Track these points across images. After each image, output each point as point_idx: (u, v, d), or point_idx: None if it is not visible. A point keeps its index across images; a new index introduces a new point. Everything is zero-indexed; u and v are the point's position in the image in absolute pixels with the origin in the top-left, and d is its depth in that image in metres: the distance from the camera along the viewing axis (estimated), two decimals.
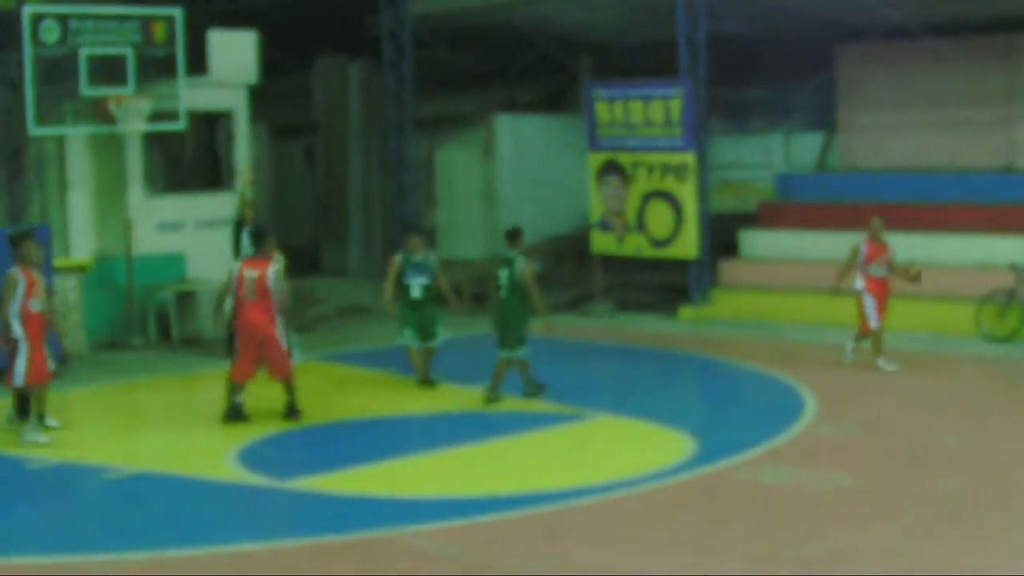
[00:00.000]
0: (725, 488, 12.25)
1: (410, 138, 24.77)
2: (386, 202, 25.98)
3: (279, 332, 14.86)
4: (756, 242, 22.95)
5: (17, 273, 13.99)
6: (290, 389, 15.08)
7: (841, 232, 21.57)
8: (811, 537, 10.75)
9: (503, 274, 15.92)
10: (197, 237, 20.79)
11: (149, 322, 20.42)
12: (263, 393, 15.25)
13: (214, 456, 13.71)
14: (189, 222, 20.93)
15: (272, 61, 23.12)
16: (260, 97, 22.43)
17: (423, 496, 12.32)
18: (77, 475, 13.34)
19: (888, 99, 23.28)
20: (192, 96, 20.10)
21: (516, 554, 10.51)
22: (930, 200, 21.13)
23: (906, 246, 18.19)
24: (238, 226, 18.22)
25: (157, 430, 15.47)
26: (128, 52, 19.23)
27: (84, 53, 18.89)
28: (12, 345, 14.00)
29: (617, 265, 23.33)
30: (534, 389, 16.01)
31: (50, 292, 14.88)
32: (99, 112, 19.35)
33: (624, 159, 22.34)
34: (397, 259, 16.94)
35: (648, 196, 22.15)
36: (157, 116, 19.65)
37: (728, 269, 22.67)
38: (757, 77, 24.38)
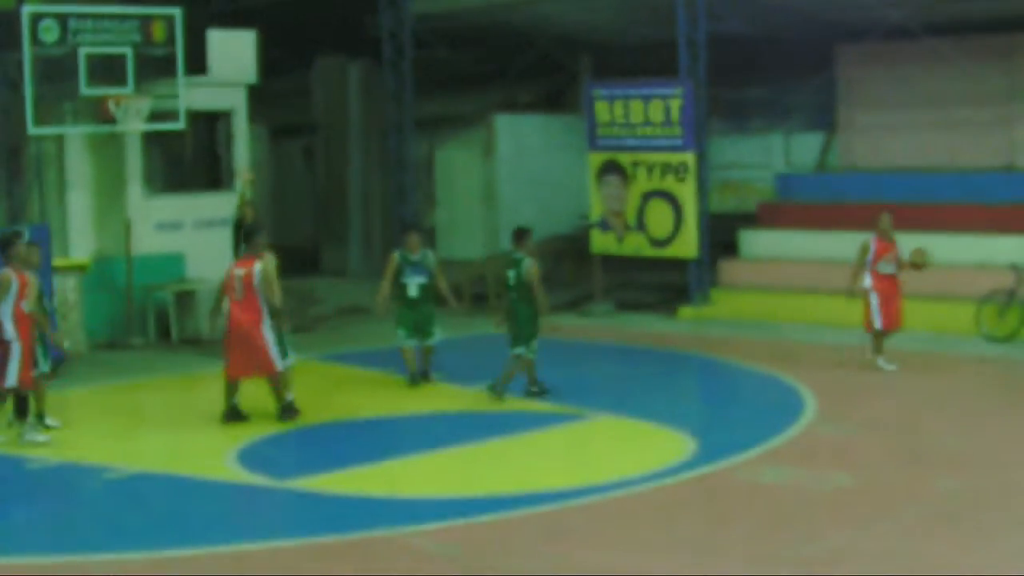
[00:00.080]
0: (725, 488, 12.24)
1: (410, 138, 24.75)
2: (386, 202, 25.97)
3: (265, 330, 14.77)
4: (756, 242, 22.94)
5: (10, 274, 13.97)
6: (276, 389, 14.97)
7: (841, 232, 21.59)
8: (811, 537, 10.74)
9: (511, 274, 15.94)
10: (196, 237, 20.77)
11: (148, 322, 20.41)
12: (263, 393, 15.23)
13: (214, 456, 13.70)
14: (188, 222, 20.91)
15: (272, 61, 23.10)
16: (260, 97, 22.41)
17: (423, 496, 12.31)
18: (77, 475, 13.33)
19: (888, 99, 23.28)
20: (192, 96, 20.08)
21: (516, 554, 10.50)
22: (930, 200, 21.10)
23: (906, 246, 18.14)
24: (238, 226, 18.19)
25: (157, 430, 15.46)
26: (127, 52, 19.21)
27: (83, 53, 18.86)
28: (4, 346, 13.97)
29: (617, 265, 23.32)
30: (536, 389, 16.00)
31: (43, 293, 14.84)
32: (98, 112, 19.34)
33: (624, 159, 22.33)
34: (395, 257, 16.95)
35: (648, 196, 22.14)
36: (156, 116, 19.63)
37: (728, 269, 22.66)
38: (757, 77, 24.37)
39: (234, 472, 13.17)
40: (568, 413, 15.21)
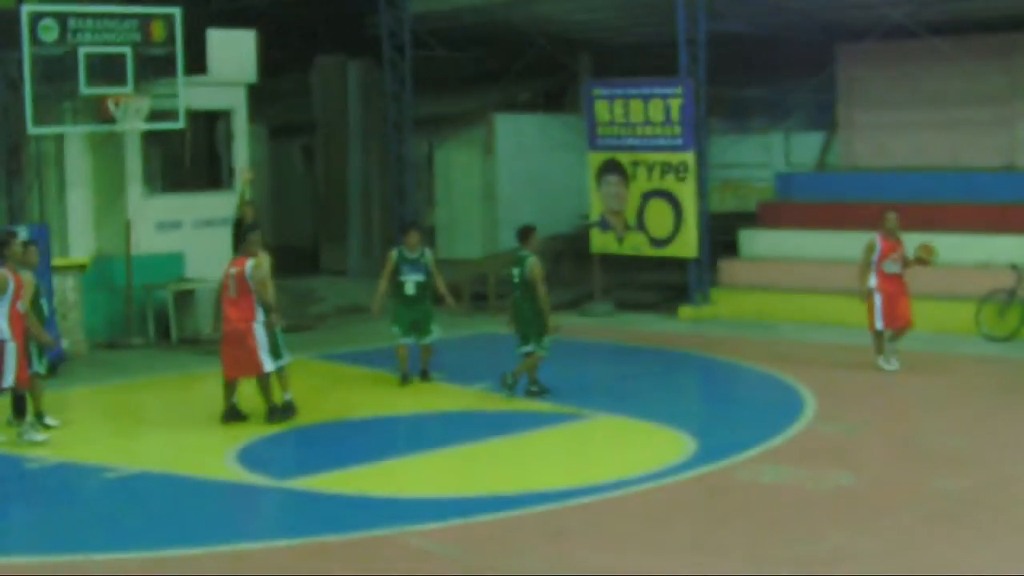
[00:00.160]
0: (725, 488, 12.23)
1: (409, 137, 24.75)
2: (385, 201, 25.97)
3: (257, 330, 14.69)
4: (756, 242, 22.94)
5: (6, 274, 13.95)
6: (264, 390, 14.87)
7: (841, 232, 21.60)
8: (811, 537, 10.73)
9: (515, 272, 15.95)
10: (196, 236, 20.76)
11: (148, 321, 20.40)
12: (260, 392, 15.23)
13: (213, 456, 13.69)
14: (188, 221, 20.90)
15: (271, 60, 23.10)
16: (259, 96, 22.40)
17: (423, 495, 12.31)
18: (76, 474, 13.32)
19: (888, 98, 23.28)
20: (191, 95, 20.08)
21: (516, 554, 10.49)
22: (931, 199, 21.09)
23: (908, 245, 18.12)
24: (238, 225, 18.20)
25: (156, 430, 15.45)
26: (127, 51, 19.20)
27: (83, 52, 18.86)
28: (0, 347, 13.95)
29: (617, 264, 23.31)
30: (536, 389, 15.99)
31: (40, 293, 14.82)
32: (98, 111, 19.34)
33: (624, 158, 22.32)
34: (393, 255, 16.95)
35: (648, 195, 22.13)
36: (156, 115, 19.62)
37: (728, 269, 22.65)
38: (757, 76, 24.36)
39: (234, 472, 13.15)
40: (568, 413, 15.20)
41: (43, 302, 15.08)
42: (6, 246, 14.11)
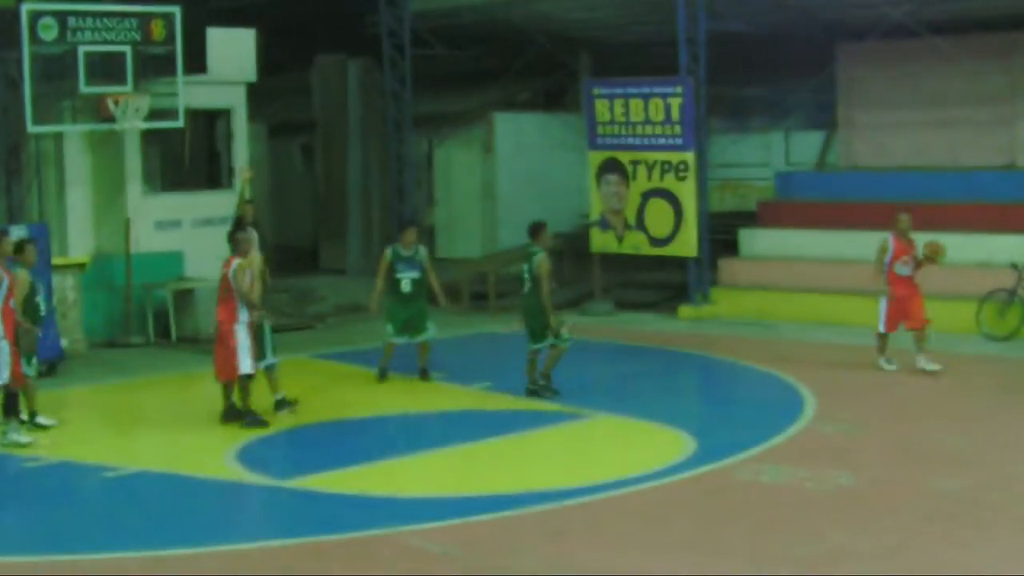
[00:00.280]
0: (725, 488, 12.22)
1: (409, 136, 24.74)
2: (385, 200, 25.97)
3: (239, 331, 14.58)
4: (756, 241, 22.93)
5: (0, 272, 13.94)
6: (241, 390, 14.71)
7: (842, 231, 21.60)
8: (811, 537, 10.72)
9: (524, 268, 15.95)
10: (195, 235, 20.74)
11: (147, 321, 20.39)
12: (261, 393, 15.21)
13: (213, 455, 13.68)
14: (187, 220, 20.88)
15: (271, 59, 23.08)
16: (259, 95, 22.39)
17: (422, 495, 12.30)
18: (76, 474, 13.31)
19: (889, 97, 23.26)
20: (191, 94, 20.05)
21: (516, 553, 10.48)
22: (931, 199, 21.06)
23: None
24: (237, 224, 18.16)
25: (156, 429, 15.43)
26: (127, 50, 19.17)
27: (83, 51, 18.83)
28: None
29: (617, 264, 23.30)
30: (536, 388, 15.96)
31: (36, 292, 14.79)
32: (97, 110, 19.31)
33: (624, 157, 22.30)
34: (387, 253, 16.94)
35: (648, 195, 22.12)
36: (156, 114, 19.59)
37: (728, 268, 22.64)
38: (757, 75, 24.35)
39: (233, 471, 13.14)
40: (568, 412, 15.19)
41: (39, 300, 15.01)
42: None
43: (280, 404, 15.15)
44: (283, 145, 29.24)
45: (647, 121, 21.91)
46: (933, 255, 16.96)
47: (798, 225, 22.45)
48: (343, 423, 15.21)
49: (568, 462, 13.46)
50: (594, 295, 23.05)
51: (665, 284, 23.41)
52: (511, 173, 25.71)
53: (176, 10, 19.61)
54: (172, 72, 19.60)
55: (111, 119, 19.21)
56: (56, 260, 18.87)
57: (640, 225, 22.29)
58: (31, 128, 18.87)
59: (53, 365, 17.76)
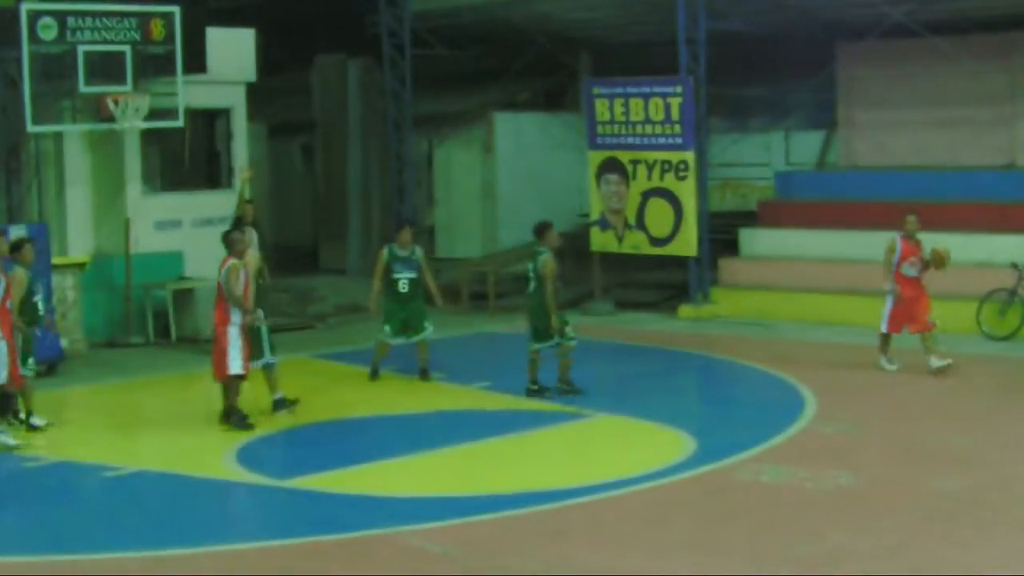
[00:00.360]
0: (725, 488, 12.21)
1: (409, 136, 24.74)
2: (385, 200, 25.96)
3: (230, 331, 14.52)
4: (756, 241, 22.92)
5: None
6: (229, 391, 14.68)
7: (842, 231, 21.59)
8: (811, 537, 10.72)
9: (529, 267, 15.95)
10: (195, 235, 20.72)
11: (147, 320, 20.38)
12: (261, 392, 15.20)
13: (212, 455, 13.67)
14: (187, 220, 20.88)
15: (271, 59, 23.08)
16: (259, 95, 22.39)
17: (422, 495, 12.28)
18: (76, 473, 13.31)
19: (889, 97, 23.25)
20: (190, 94, 20.05)
21: (516, 553, 10.47)
22: (931, 199, 21.03)
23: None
24: (236, 224, 18.15)
25: (155, 429, 15.43)
26: (126, 49, 19.17)
27: (82, 50, 18.83)
28: None
29: (617, 263, 23.29)
30: (536, 388, 15.97)
31: (34, 292, 14.78)
32: (97, 109, 19.30)
33: (624, 157, 22.29)
34: (383, 253, 16.93)
35: (648, 194, 22.11)
36: (155, 114, 19.59)
37: (728, 268, 22.64)
38: (757, 75, 24.34)
39: (233, 471, 13.14)
40: (568, 412, 15.18)
41: (38, 300, 14.98)
42: None
43: (279, 404, 15.16)
44: (283, 145, 29.23)
45: (647, 121, 21.90)
46: (938, 264, 16.90)
47: (798, 225, 22.44)
48: (343, 423, 15.20)
49: (568, 462, 13.46)
50: (594, 295, 23.04)
51: (665, 284, 23.41)
52: (511, 173, 25.70)
53: (176, 10, 19.61)
54: (172, 72, 19.60)
55: (111, 119, 19.21)
56: (56, 260, 18.87)
57: (640, 225, 22.28)
58: (31, 128, 18.86)
59: (53, 365, 17.76)
